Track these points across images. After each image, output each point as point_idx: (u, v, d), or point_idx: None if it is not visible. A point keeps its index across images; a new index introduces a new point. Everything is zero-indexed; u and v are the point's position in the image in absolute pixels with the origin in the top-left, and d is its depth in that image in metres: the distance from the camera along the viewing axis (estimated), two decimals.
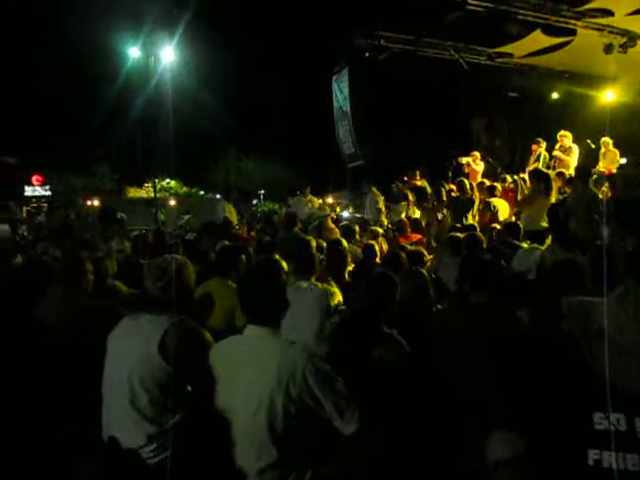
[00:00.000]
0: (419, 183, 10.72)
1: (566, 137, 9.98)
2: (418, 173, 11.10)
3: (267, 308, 2.26)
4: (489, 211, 8.08)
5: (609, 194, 7.70)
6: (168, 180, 39.11)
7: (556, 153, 9.93)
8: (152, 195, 17.35)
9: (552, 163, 9.96)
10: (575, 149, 9.84)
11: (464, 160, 11.28)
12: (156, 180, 21.06)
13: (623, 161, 10.34)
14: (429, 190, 9.96)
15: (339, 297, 3.73)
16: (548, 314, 2.70)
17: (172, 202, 24.09)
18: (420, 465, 2.31)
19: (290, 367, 2.08)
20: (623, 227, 5.15)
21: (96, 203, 22.23)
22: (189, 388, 2.50)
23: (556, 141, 10.17)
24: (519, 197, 8.90)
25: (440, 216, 8.35)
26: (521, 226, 6.13)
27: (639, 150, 9.83)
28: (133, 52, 16.16)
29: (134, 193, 35.59)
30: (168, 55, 15.15)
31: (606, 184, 8.18)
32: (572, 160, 9.66)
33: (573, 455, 1.37)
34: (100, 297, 3.75)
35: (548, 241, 5.21)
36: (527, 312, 2.85)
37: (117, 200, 26.41)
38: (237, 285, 2.38)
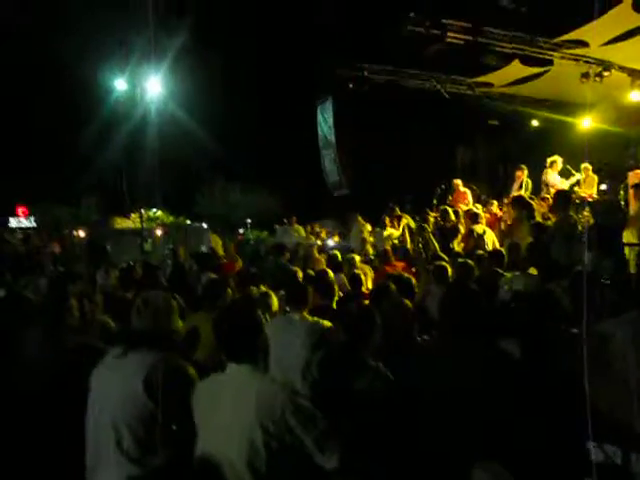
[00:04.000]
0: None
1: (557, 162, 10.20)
2: (397, 209, 11.00)
3: (244, 347, 2.25)
4: (472, 238, 8.14)
5: (590, 220, 7.81)
6: (155, 210, 38.91)
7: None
8: (139, 226, 17.26)
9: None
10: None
11: (458, 181, 11.27)
12: (142, 210, 20.98)
13: (603, 187, 10.54)
14: (413, 225, 9.99)
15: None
16: (534, 345, 2.73)
17: (159, 232, 23.96)
18: None
19: (269, 406, 2.08)
20: (603, 253, 5.22)
21: (82, 234, 22.08)
22: (174, 427, 2.47)
23: (536, 167, 10.36)
24: (503, 225, 8.99)
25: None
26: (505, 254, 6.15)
27: (618, 176, 10.01)
28: (119, 84, 16.29)
29: (121, 224, 35.34)
30: (154, 87, 15.26)
31: (587, 209, 8.30)
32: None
33: None
34: (87, 334, 3.71)
35: (533, 269, 5.23)
36: (513, 343, 2.86)
37: (103, 231, 26.21)
38: (213, 325, 2.36)
